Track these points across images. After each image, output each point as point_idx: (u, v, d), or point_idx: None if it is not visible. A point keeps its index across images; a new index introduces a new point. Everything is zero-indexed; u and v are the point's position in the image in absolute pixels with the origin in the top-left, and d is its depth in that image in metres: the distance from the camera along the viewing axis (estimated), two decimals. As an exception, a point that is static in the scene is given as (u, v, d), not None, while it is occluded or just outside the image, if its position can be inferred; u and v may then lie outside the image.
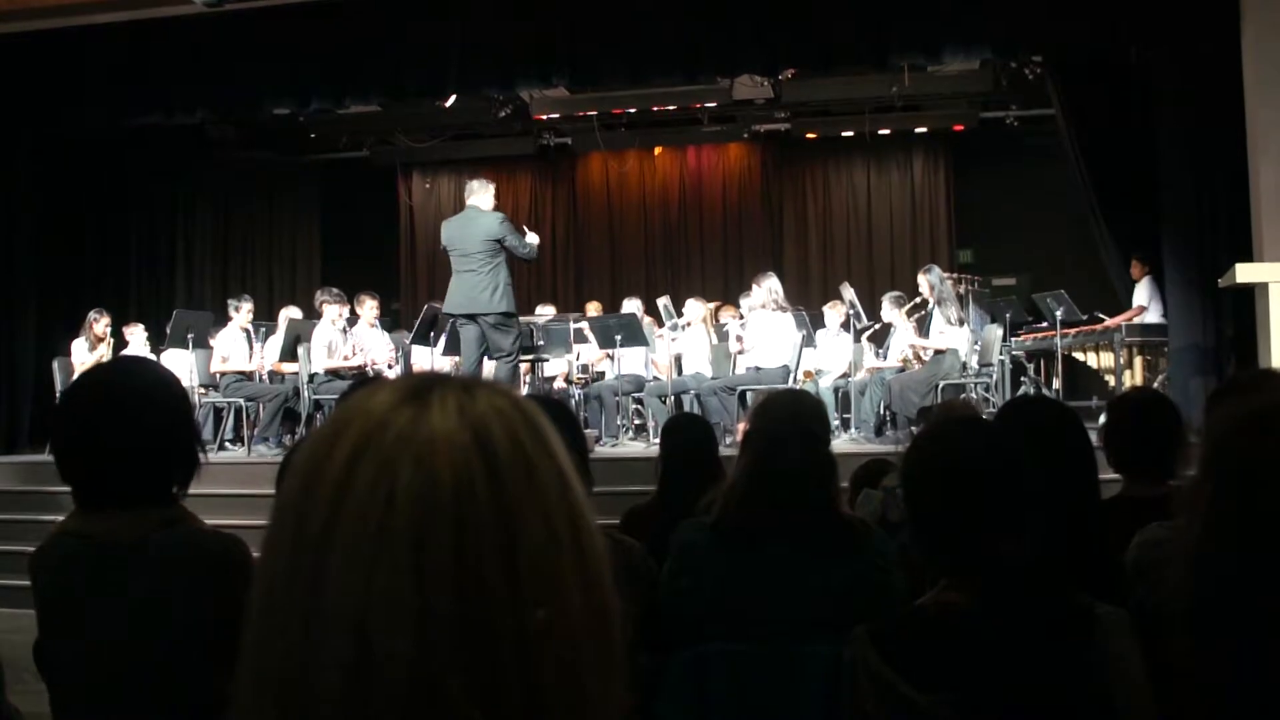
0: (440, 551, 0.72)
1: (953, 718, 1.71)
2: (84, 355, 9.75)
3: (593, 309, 11.55)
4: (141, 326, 10.39)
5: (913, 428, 8.15)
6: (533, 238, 8.61)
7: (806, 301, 11.99)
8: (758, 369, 8.91)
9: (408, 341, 10.11)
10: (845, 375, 9.83)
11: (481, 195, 8.48)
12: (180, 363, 9.64)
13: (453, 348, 9.49)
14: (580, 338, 10.02)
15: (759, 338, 8.99)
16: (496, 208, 8.61)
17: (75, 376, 9.28)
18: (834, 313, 10.22)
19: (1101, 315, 9.86)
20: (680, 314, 10.21)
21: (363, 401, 0.78)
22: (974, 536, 1.82)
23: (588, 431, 8.54)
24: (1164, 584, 2.15)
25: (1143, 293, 9.57)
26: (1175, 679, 1.36)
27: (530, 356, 9.14)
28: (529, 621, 0.73)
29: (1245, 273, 6.92)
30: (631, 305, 10.53)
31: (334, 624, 0.71)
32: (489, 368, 8.45)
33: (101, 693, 1.98)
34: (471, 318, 8.29)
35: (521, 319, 8.88)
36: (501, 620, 0.72)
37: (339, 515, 0.73)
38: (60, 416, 2.06)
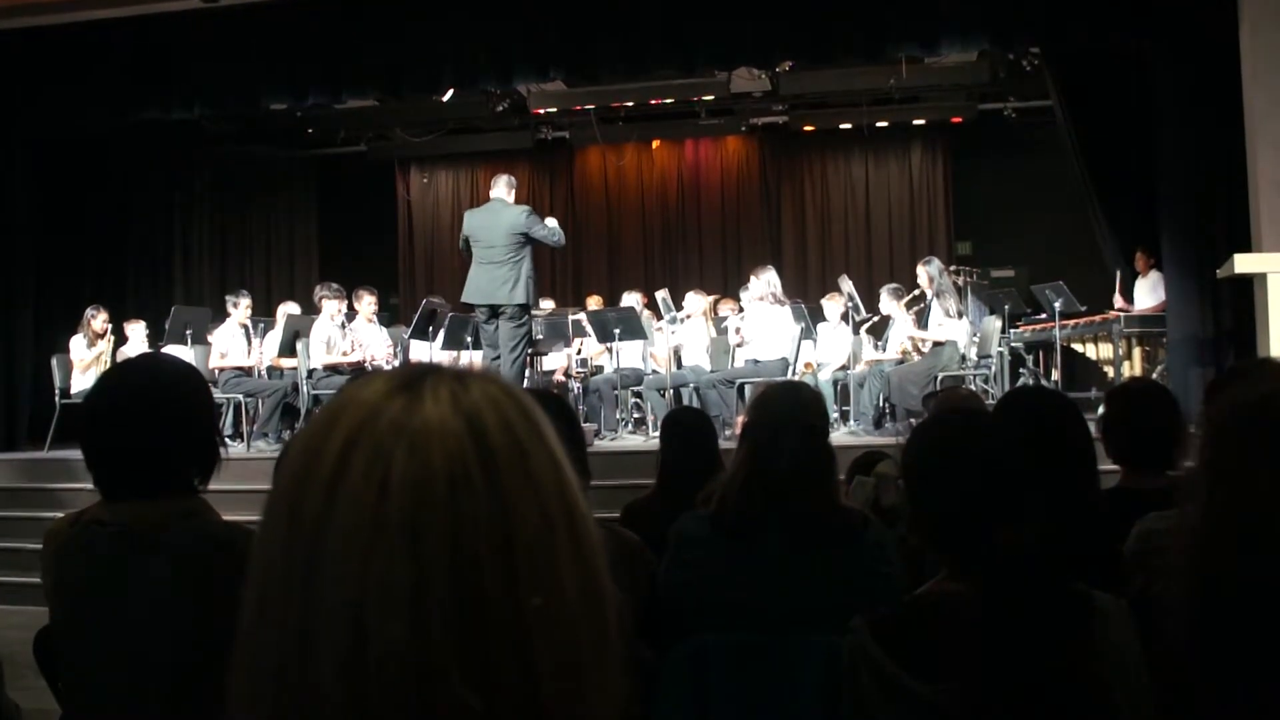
0: (436, 539, 0.72)
1: (952, 707, 1.72)
2: (82, 352, 9.74)
3: (593, 303, 11.55)
4: (142, 323, 10.37)
5: (912, 419, 8.15)
6: (551, 222, 8.71)
7: (805, 294, 12.00)
8: (756, 362, 8.91)
9: (406, 336, 10.10)
10: (844, 367, 9.83)
11: (505, 188, 8.58)
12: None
13: (452, 342, 9.49)
14: (579, 331, 10.02)
15: (758, 330, 8.99)
16: (517, 200, 8.71)
17: (81, 378, 9.35)
18: (832, 305, 10.22)
19: (1122, 307, 9.84)
20: (679, 307, 10.21)
21: (356, 391, 0.78)
22: (973, 527, 1.82)
23: (587, 425, 8.56)
24: (1163, 573, 2.16)
25: (1147, 286, 9.57)
26: (1174, 667, 1.36)
27: (530, 350, 9.14)
28: (525, 608, 0.73)
29: (1244, 263, 6.92)
30: (630, 299, 10.54)
31: (330, 612, 0.71)
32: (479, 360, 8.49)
33: (115, 680, 2.00)
34: (494, 313, 8.33)
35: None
36: (498, 607, 0.72)
37: (334, 504, 0.73)
38: (89, 410, 2.10)
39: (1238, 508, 1.26)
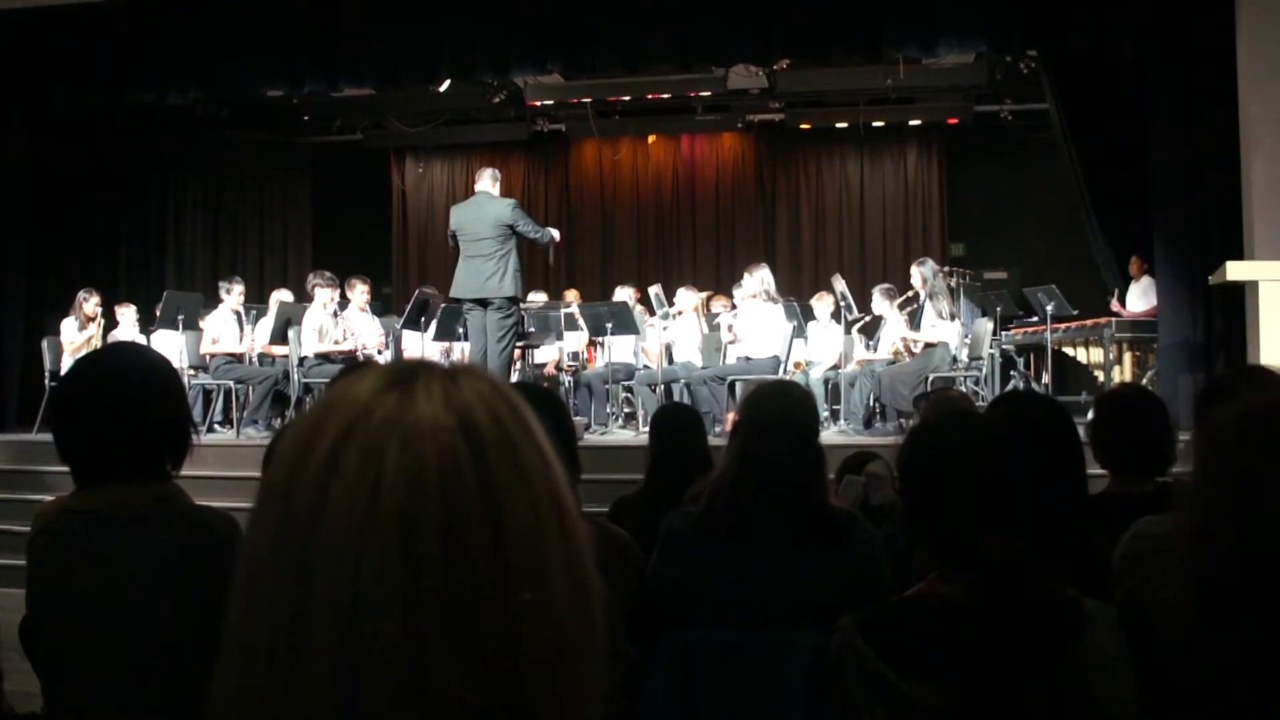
0: (429, 534, 0.72)
1: (940, 708, 1.72)
2: (74, 335, 9.72)
3: (571, 296, 11.48)
4: (133, 307, 10.36)
5: (902, 420, 8.17)
6: (554, 232, 8.71)
7: (798, 292, 12.00)
8: (748, 359, 8.92)
9: (398, 326, 10.08)
10: (835, 367, 9.83)
11: (490, 181, 8.55)
12: (170, 344, 9.63)
13: (444, 333, 9.47)
14: (571, 325, 10.01)
15: (750, 328, 8.99)
16: (511, 194, 8.68)
17: (72, 361, 9.32)
18: (823, 304, 10.22)
19: (1115, 310, 9.87)
20: (671, 303, 10.21)
21: (347, 388, 0.79)
22: (966, 530, 1.83)
23: (577, 419, 8.55)
24: (1154, 578, 2.16)
25: (1139, 290, 9.60)
26: (1166, 670, 1.37)
27: (522, 343, 9.13)
28: (516, 603, 0.73)
29: (1236, 270, 6.93)
30: (623, 293, 10.53)
31: (323, 608, 0.71)
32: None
33: (96, 668, 2.00)
34: (482, 304, 8.31)
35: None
36: (489, 602, 0.73)
37: (326, 500, 0.73)
38: (58, 399, 2.12)
39: (1235, 515, 1.27)
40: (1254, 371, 3.18)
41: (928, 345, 8.81)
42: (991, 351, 9.46)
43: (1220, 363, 7.92)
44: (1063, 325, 10.02)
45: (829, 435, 8.57)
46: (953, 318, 8.95)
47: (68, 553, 2.04)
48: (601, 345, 10.05)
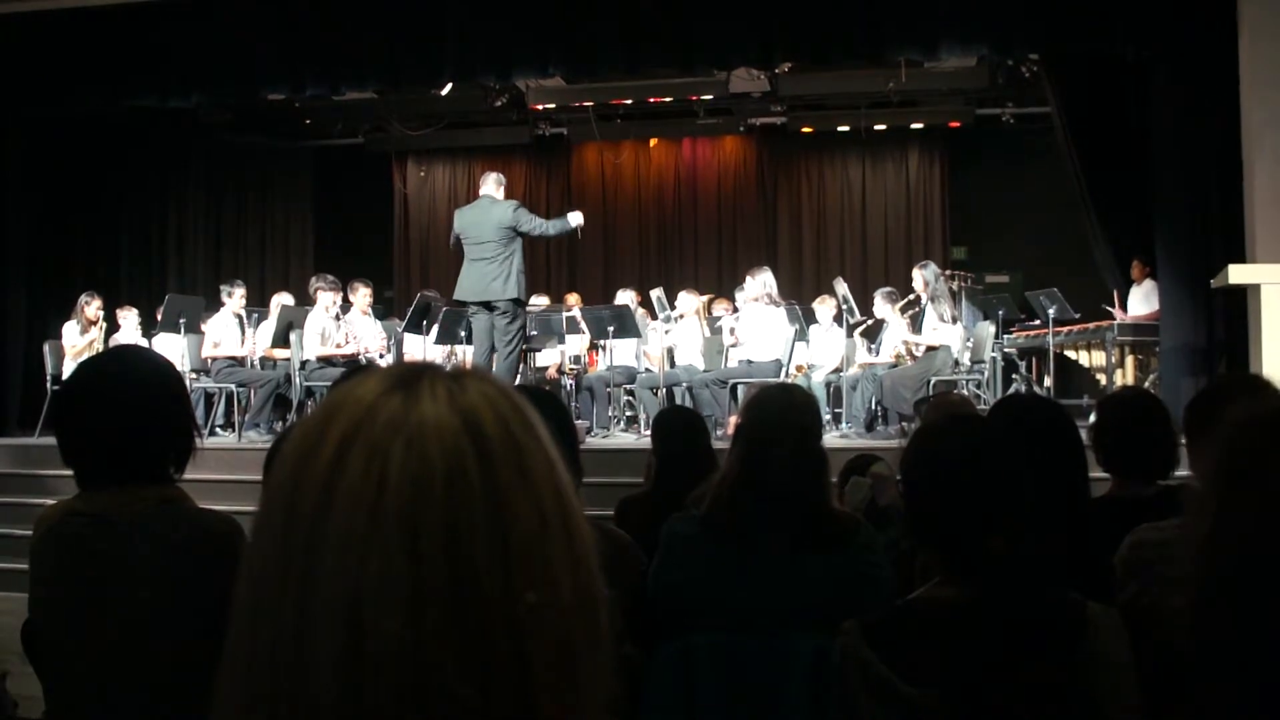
0: (433, 535, 0.72)
1: (943, 712, 1.72)
2: (75, 338, 9.72)
3: (572, 300, 11.51)
4: (135, 311, 10.36)
5: (903, 423, 8.16)
6: (574, 217, 8.69)
7: (799, 296, 11.99)
8: (750, 362, 8.92)
9: (400, 329, 10.09)
10: (837, 370, 9.83)
11: (494, 185, 8.63)
12: (172, 347, 9.62)
13: (446, 336, 9.48)
14: (573, 328, 10.02)
15: (752, 331, 8.99)
16: (513, 196, 8.71)
17: (74, 364, 9.32)
18: (824, 308, 10.22)
19: (1111, 310, 9.87)
20: (673, 306, 10.21)
21: (351, 389, 0.79)
22: (970, 534, 1.83)
23: (579, 422, 8.55)
24: (1157, 583, 2.16)
25: (1141, 294, 9.59)
26: (1175, 674, 1.37)
27: (524, 346, 9.14)
28: (520, 604, 0.73)
29: (1238, 274, 6.93)
30: (624, 296, 10.54)
31: (327, 608, 0.72)
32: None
33: (99, 671, 2.00)
34: (486, 307, 8.34)
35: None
36: (493, 602, 0.73)
37: (331, 501, 0.73)
38: (61, 402, 2.13)
39: (1248, 515, 1.27)
40: (1248, 379, 3.18)
41: (929, 349, 8.80)
42: (993, 355, 9.46)
43: (1222, 366, 7.91)
44: (1064, 328, 10.02)
45: (830, 439, 8.56)
46: (954, 321, 8.95)
47: (70, 556, 2.04)
48: (603, 348, 10.06)
